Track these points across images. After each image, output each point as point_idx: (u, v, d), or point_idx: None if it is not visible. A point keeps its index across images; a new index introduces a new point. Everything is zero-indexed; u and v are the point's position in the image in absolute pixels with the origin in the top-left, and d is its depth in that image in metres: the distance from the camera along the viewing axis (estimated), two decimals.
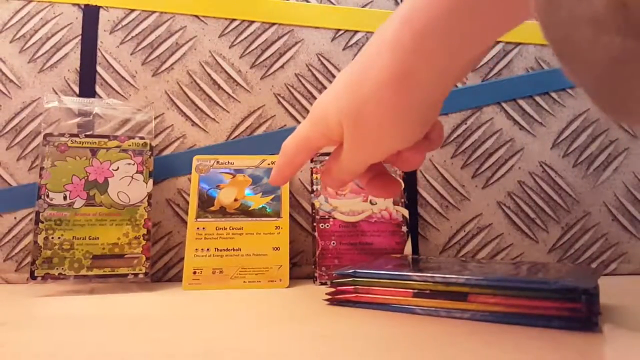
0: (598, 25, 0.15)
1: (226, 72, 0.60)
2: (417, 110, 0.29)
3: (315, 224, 0.54)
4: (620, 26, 0.15)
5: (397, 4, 0.63)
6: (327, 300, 0.41)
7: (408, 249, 0.54)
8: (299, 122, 0.60)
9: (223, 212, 0.54)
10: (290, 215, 0.57)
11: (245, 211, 0.54)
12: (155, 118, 0.58)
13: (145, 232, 0.51)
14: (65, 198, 0.50)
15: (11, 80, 0.57)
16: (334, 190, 0.55)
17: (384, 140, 0.30)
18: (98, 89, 0.58)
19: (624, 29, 0.15)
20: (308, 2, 0.62)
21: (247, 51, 0.61)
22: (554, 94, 0.64)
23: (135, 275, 0.50)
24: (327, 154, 0.57)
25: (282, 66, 0.61)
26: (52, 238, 0.49)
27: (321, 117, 0.32)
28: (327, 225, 0.54)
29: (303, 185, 0.59)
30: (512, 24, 0.25)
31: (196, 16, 0.61)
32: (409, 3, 0.27)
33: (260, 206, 0.54)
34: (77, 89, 0.58)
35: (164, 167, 0.58)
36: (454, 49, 0.26)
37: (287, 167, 0.36)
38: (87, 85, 0.58)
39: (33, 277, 0.47)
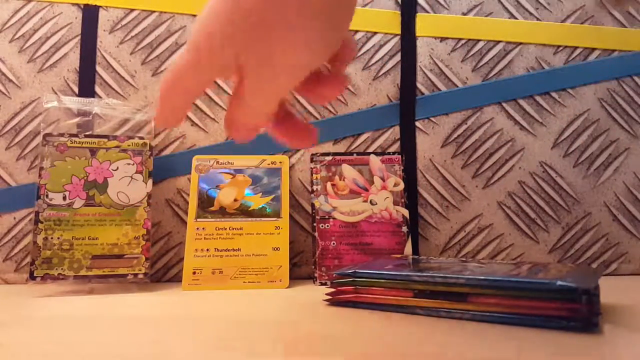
0: None
1: None
2: (328, 8, 0.25)
3: (315, 224, 0.54)
4: None
5: (397, 4, 0.63)
6: (327, 300, 0.41)
7: (408, 249, 0.54)
8: None
9: (223, 212, 0.53)
10: (290, 216, 0.57)
11: (245, 211, 0.54)
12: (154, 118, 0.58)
13: (145, 233, 0.51)
14: (64, 198, 0.50)
15: (10, 80, 0.57)
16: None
17: (296, 55, 0.26)
18: (97, 89, 0.58)
19: None
20: None
21: None
22: (554, 94, 0.64)
23: (135, 275, 0.50)
24: (327, 154, 0.57)
25: None
26: (52, 238, 0.49)
27: (215, 50, 0.26)
28: (327, 226, 0.54)
29: (303, 185, 0.59)
30: None
31: (196, 16, 0.60)
32: None
33: (260, 206, 0.54)
34: (76, 89, 0.58)
35: (164, 167, 0.57)
36: None
37: (186, 105, 0.28)
38: (86, 85, 0.58)
39: (32, 277, 0.47)
